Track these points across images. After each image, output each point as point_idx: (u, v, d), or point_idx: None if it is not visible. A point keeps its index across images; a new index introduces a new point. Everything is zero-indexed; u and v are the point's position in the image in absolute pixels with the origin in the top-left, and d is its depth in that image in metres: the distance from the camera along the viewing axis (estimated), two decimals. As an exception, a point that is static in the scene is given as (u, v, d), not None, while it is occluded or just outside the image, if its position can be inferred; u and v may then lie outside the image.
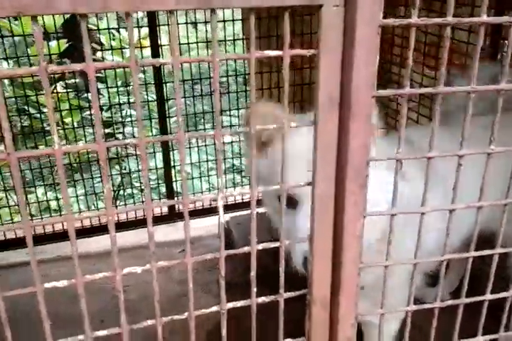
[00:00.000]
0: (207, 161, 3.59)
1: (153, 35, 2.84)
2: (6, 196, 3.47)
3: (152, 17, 2.82)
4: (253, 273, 0.84)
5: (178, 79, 0.67)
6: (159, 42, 2.85)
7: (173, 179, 3.37)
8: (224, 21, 2.98)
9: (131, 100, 3.69)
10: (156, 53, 2.88)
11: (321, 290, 0.89)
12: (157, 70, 2.94)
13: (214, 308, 0.85)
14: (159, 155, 3.38)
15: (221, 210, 0.78)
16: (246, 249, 0.82)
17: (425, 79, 2.77)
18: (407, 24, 0.73)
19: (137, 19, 3.20)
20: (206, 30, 2.88)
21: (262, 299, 0.87)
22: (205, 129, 3.58)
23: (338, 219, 0.84)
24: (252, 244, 0.83)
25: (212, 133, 0.73)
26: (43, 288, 0.73)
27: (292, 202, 1.42)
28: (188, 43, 2.97)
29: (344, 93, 0.75)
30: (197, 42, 3.26)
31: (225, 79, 3.61)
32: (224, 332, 0.87)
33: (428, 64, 2.69)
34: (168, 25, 2.79)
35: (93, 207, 3.77)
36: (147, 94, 3.47)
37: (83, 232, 3.16)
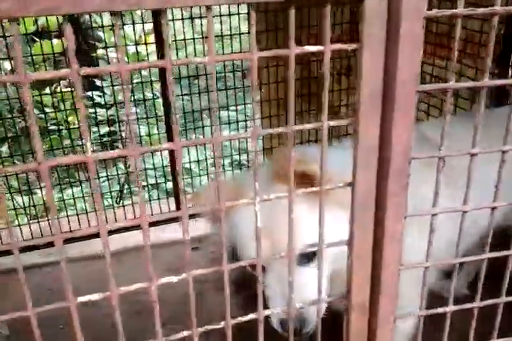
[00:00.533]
0: (213, 158, 3.55)
1: (158, 32, 2.78)
2: (12, 199, 3.44)
3: (156, 12, 2.75)
4: (291, 279, 0.81)
5: (215, 77, 0.63)
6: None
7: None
8: (230, 15, 2.93)
9: (135, 97, 3.65)
10: (161, 50, 2.82)
11: (360, 296, 0.86)
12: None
13: (251, 315, 0.82)
14: (164, 152, 3.32)
15: (258, 215, 0.74)
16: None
17: (435, 69, 2.72)
18: (453, 14, 0.69)
19: (141, 13, 3.13)
20: (201, 24, 2.83)
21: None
22: (203, 127, 3.50)
23: (379, 220, 0.80)
24: (290, 249, 0.79)
25: (247, 136, 0.69)
26: (76, 302, 0.69)
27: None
28: (189, 39, 2.91)
29: (387, 88, 0.71)
30: (194, 39, 3.14)
31: (223, 74, 3.53)
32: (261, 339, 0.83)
33: (439, 54, 2.64)
34: (173, 20, 2.74)
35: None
36: (152, 92, 3.41)
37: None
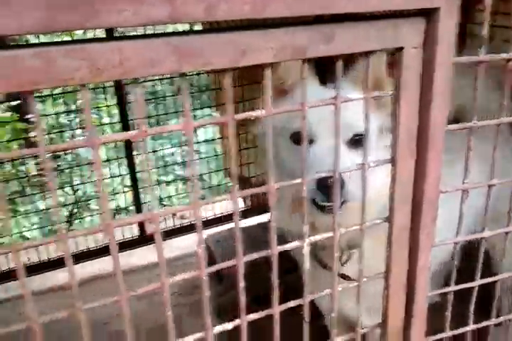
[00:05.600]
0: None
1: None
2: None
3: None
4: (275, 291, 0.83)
5: (192, 144, 0.64)
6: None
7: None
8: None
9: (77, 120, 3.55)
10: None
11: (395, 322, 0.90)
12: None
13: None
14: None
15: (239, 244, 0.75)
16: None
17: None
18: (478, 61, 0.74)
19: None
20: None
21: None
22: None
23: (412, 251, 0.85)
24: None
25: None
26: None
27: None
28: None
29: (421, 129, 0.76)
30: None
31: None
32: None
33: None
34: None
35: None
36: (106, 99, 3.26)
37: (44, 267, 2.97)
